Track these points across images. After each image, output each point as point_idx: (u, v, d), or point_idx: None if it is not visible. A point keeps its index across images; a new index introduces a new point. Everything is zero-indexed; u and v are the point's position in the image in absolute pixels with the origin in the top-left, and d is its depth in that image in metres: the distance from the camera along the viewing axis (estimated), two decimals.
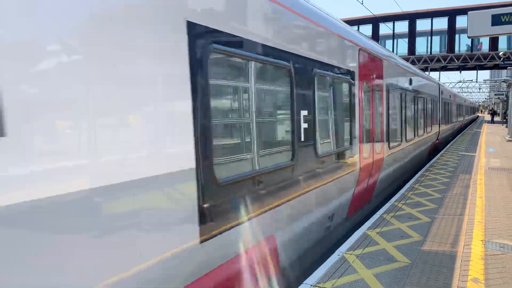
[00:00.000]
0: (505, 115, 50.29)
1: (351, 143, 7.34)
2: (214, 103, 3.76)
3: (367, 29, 47.26)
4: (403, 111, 12.17)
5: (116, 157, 2.78)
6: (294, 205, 5.29)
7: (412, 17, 45.46)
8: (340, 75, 6.69)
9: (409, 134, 13.21)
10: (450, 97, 27.32)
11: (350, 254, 6.04)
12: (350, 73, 7.20)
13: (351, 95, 7.38)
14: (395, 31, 45.80)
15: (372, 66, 8.85)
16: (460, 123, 37.62)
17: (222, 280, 3.90)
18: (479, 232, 7.09)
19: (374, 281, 5.10)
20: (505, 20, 6.36)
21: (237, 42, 4.07)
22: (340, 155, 6.82)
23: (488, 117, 71.58)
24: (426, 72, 32.27)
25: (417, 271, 5.43)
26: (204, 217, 3.54)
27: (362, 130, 8.07)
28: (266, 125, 4.73)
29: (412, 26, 45.63)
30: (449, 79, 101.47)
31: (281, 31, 4.96)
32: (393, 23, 45.94)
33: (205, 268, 3.66)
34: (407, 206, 8.89)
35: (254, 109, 4.39)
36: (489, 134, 31.69)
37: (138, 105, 2.95)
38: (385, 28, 45.03)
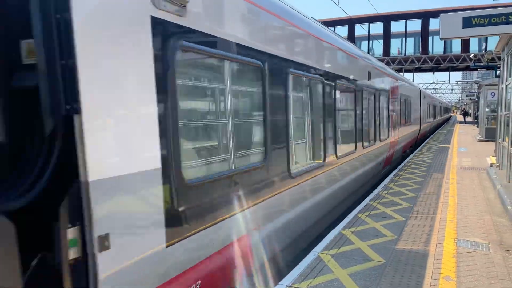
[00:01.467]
0: (476, 116, 51.65)
1: None
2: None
3: (343, 30, 47.75)
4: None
5: None
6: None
7: (386, 19, 46.15)
8: None
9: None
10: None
11: (326, 253, 6.06)
12: None
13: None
14: (371, 33, 46.44)
15: None
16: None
17: None
18: (451, 230, 7.23)
19: (349, 281, 5.13)
20: (475, 22, 6.49)
21: None
22: None
23: (460, 117, 73.53)
24: (400, 73, 32.63)
25: (391, 270, 5.48)
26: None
27: None
28: None
29: (387, 28, 46.33)
30: (423, 80, 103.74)
31: None
32: (369, 24, 46.51)
33: None
34: (381, 205, 8.99)
35: None
36: (461, 134, 32.47)
37: None
38: (360, 30, 45.61)
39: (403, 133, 17.37)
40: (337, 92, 8.11)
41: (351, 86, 9.30)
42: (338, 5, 20.22)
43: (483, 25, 6.40)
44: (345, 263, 5.71)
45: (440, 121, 53.08)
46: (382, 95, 12.97)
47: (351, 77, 9.27)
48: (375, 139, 11.88)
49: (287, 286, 5.01)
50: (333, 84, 7.84)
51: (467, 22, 6.55)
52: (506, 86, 11.60)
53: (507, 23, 6.29)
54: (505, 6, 6.98)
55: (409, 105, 19.63)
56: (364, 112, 10.46)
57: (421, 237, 6.85)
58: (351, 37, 46.81)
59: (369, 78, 11.04)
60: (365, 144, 10.55)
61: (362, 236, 6.90)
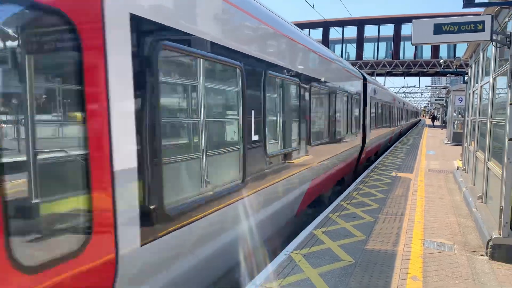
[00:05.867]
0: (444, 120, 53.05)
1: None
2: None
3: (317, 33, 48.25)
4: None
5: None
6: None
7: (360, 23, 46.91)
8: None
9: None
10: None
11: (297, 253, 6.11)
12: None
13: None
14: (344, 36, 47.08)
15: None
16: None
17: None
18: (419, 231, 7.41)
19: (319, 280, 5.18)
20: (445, 29, 6.67)
21: None
22: None
23: (429, 121, 75.47)
24: (372, 77, 33.34)
25: (360, 270, 5.57)
26: None
27: None
28: None
29: (360, 32, 47.09)
30: (394, 84, 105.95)
31: None
32: (343, 28, 47.17)
33: None
34: (352, 206, 9.13)
35: None
36: (430, 138, 33.31)
37: None
38: (335, 33, 46.19)
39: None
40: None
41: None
42: (313, 7, 20.39)
43: (453, 32, 6.58)
44: (316, 262, 5.77)
45: (412, 122, 61.20)
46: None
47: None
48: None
49: (258, 285, 5.02)
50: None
51: (438, 29, 6.71)
52: (473, 92, 11.97)
53: (475, 31, 6.49)
54: (474, 14, 7.21)
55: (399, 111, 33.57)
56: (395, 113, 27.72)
57: (389, 238, 6.99)
58: (326, 40, 47.32)
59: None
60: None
61: (333, 236, 6.99)
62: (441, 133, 40.03)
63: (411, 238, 7.01)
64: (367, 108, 16.01)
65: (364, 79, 15.72)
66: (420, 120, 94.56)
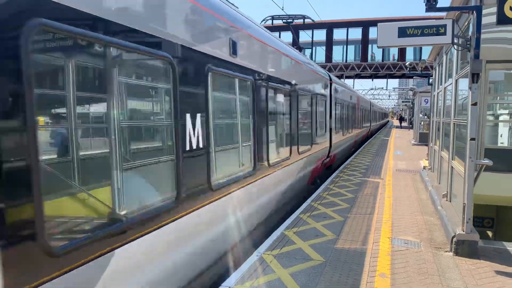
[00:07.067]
0: (411, 121, 54.41)
1: None
2: None
3: (287, 35, 48.63)
4: None
5: None
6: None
7: (329, 26, 47.59)
8: None
9: None
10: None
11: (268, 254, 6.15)
12: None
13: None
14: (314, 39, 47.66)
15: None
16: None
17: None
18: (387, 229, 7.58)
19: (290, 280, 5.24)
20: (410, 33, 6.87)
21: None
22: None
23: (397, 122, 77.31)
24: (341, 79, 34.21)
25: (330, 269, 5.66)
26: None
27: None
28: None
29: (329, 35, 47.78)
30: (362, 86, 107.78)
31: None
32: (312, 31, 47.74)
33: None
34: (322, 206, 9.26)
35: None
36: (397, 138, 34.11)
37: None
38: (305, 36, 46.68)
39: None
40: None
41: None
42: (282, 9, 20.55)
43: (416, 35, 6.78)
44: (287, 263, 5.83)
45: (382, 123, 73.65)
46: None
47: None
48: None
49: (229, 287, 5.03)
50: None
51: (402, 32, 6.91)
52: (438, 93, 12.35)
53: (438, 34, 6.72)
54: (436, 18, 7.45)
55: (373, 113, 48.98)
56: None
57: (359, 237, 7.13)
58: (296, 43, 47.71)
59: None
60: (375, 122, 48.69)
61: (304, 236, 7.07)
62: (408, 134, 41.04)
63: (379, 236, 7.17)
64: (371, 113, 36.71)
65: (370, 101, 39.03)
66: (388, 121, 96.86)
